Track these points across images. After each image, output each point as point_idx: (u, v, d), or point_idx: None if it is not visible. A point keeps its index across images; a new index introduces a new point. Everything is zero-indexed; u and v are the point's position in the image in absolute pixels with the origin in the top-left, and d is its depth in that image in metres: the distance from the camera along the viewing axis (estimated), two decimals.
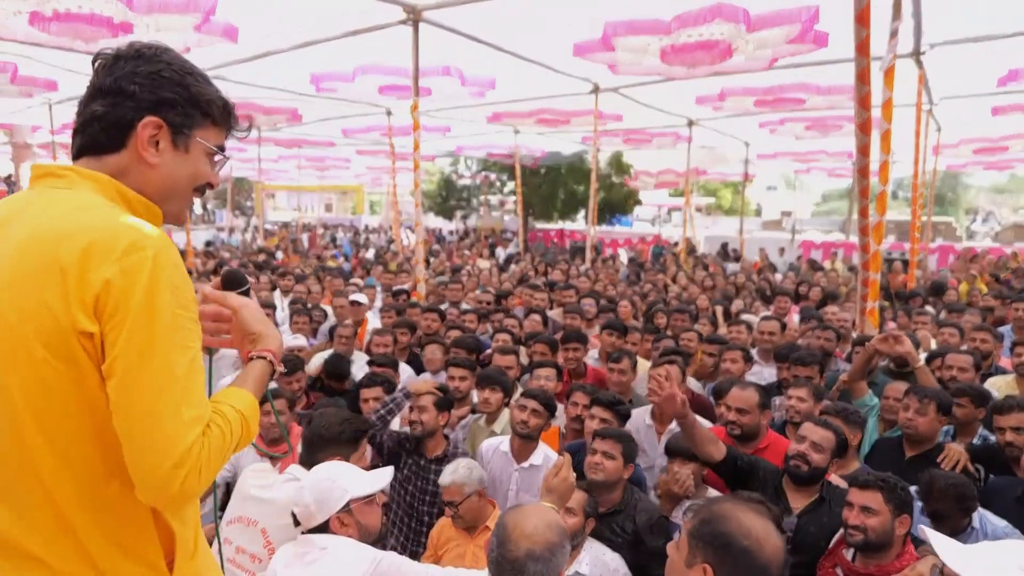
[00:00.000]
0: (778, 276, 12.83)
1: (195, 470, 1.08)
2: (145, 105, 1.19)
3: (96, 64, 1.22)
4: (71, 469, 1.11)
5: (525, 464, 3.35)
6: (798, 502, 2.77)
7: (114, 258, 1.05)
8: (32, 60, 8.39)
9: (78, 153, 1.22)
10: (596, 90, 10.34)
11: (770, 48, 6.53)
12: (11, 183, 19.76)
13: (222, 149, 1.32)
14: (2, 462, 1.11)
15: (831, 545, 2.61)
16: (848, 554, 2.51)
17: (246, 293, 1.50)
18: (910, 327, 5.94)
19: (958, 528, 2.62)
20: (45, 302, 1.05)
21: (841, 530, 2.61)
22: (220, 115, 1.30)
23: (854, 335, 5.25)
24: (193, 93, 1.24)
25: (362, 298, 6.60)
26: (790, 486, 2.83)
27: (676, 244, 19.65)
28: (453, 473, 2.82)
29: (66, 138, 16.49)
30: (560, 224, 27.47)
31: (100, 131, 1.19)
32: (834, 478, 2.84)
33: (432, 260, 13.71)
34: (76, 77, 9.30)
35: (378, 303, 7.54)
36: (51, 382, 1.07)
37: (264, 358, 1.37)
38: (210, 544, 2.52)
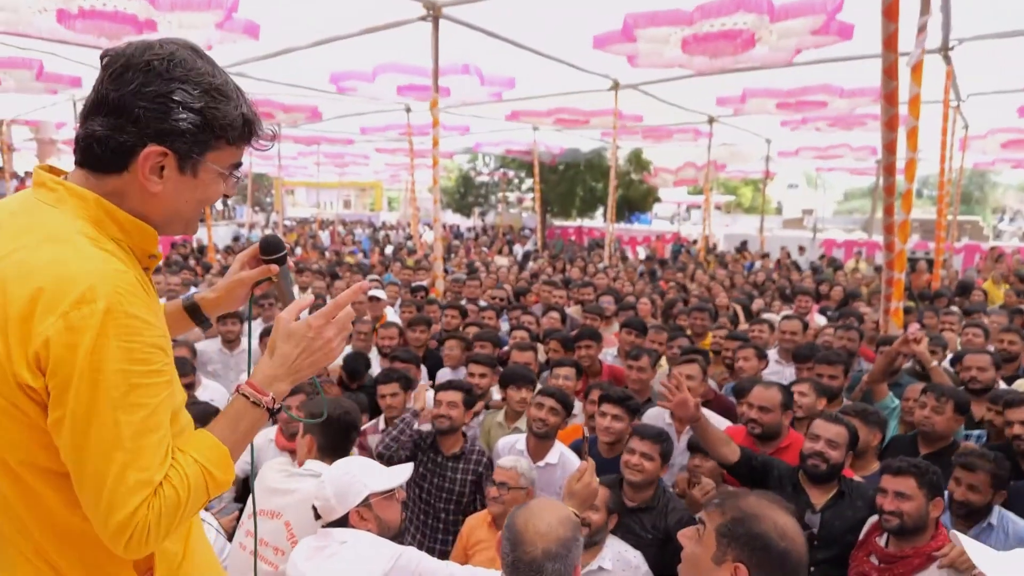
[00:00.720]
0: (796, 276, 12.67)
1: (141, 532, 1.03)
2: (150, 133, 1.08)
3: (105, 63, 1.11)
4: (36, 502, 1.09)
5: (541, 463, 3.34)
6: (818, 498, 2.79)
7: (60, 311, 0.99)
8: (57, 57, 8.51)
9: (79, 163, 1.14)
10: (616, 87, 10.28)
11: (794, 38, 6.45)
12: None
13: (238, 166, 1.22)
14: None
15: (863, 535, 2.64)
16: (881, 541, 2.53)
17: (283, 260, 1.46)
18: (937, 328, 5.85)
19: (978, 519, 2.66)
20: None
21: (871, 519, 2.65)
22: (239, 136, 1.18)
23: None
24: (208, 119, 1.12)
25: (381, 294, 6.62)
26: (807, 483, 2.85)
27: (695, 242, 19.50)
28: (515, 462, 2.88)
29: None
30: (578, 221, 27.42)
31: (100, 153, 1.09)
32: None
33: (452, 257, 13.74)
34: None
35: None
36: (3, 423, 1.04)
37: (247, 397, 1.21)
38: (230, 537, 2.57)
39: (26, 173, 20.26)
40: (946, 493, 2.60)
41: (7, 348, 1.00)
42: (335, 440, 2.56)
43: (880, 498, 2.48)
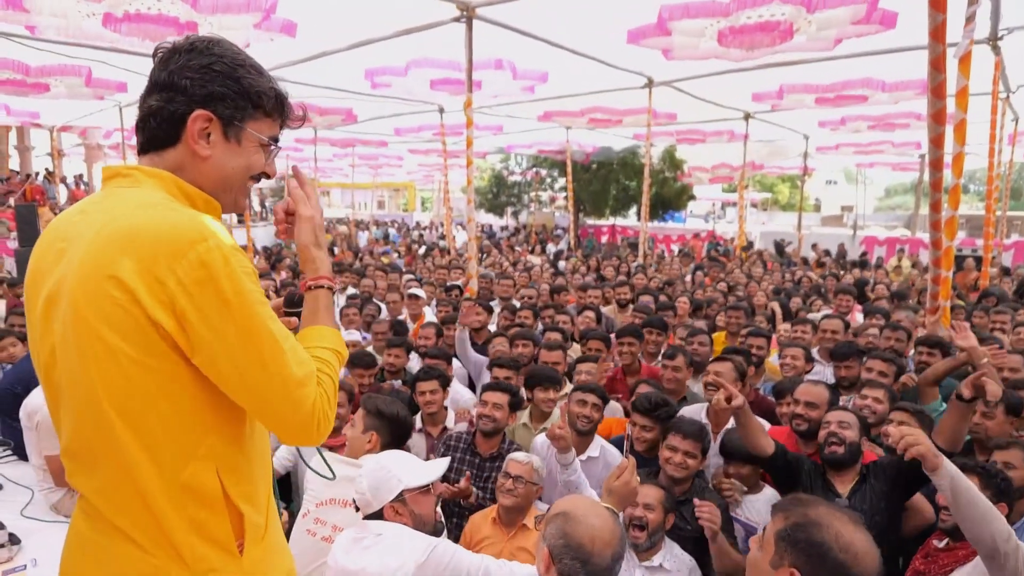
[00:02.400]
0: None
1: (322, 415, 1.20)
2: (196, 98, 1.21)
3: (155, 58, 1.26)
4: (151, 455, 1.14)
5: (583, 457, 3.34)
6: (843, 486, 2.83)
7: (183, 253, 1.08)
8: (105, 64, 8.78)
9: (142, 149, 1.26)
10: (650, 84, 10.19)
11: (834, 29, 6.28)
12: (84, 183, 20.78)
13: (276, 140, 1.33)
14: (91, 448, 1.17)
15: (925, 541, 2.64)
16: (940, 543, 2.53)
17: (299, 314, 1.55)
18: (987, 328, 5.67)
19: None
20: (119, 298, 1.07)
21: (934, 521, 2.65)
22: (273, 107, 1.30)
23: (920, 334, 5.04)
24: (244, 86, 1.25)
25: (420, 292, 6.67)
26: (833, 474, 2.88)
27: (732, 240, 19.21)
28: (530, 457, 2.91)
29: (135, 141, 17.24)
30: (612, 220, 27.24)
31: (157, 126, 1.23)
32: None
33: (485, 256, 13.79)
34: (145, 80, 9.68)
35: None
36: (130, 372, 1.10)
37: (323, 286, 1.40)
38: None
39: (76, 177, 20.93)
40: None
41: (139, 293, 1.07)
42: (396, 438, 2.71)
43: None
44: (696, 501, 2.71)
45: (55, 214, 14.02)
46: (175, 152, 1.23)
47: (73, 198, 18.92)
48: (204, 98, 1.21)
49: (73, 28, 6.37)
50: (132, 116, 13.19)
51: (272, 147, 1.33)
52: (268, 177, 1.36)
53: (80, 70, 8.98)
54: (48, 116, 13.93)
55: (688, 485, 2.93)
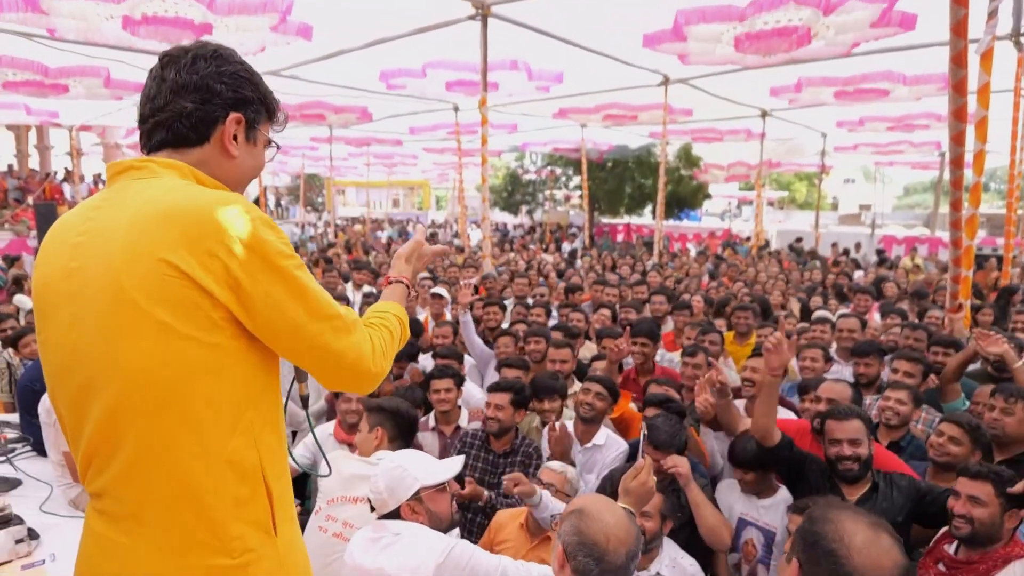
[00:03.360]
0: (858, 273, 12.29)
1: (374, 363, 1.31)
2: (229, 102, 1.29)
3: (167, 61, 1.29)
4: (196, 433, 1.15)
5: (588, 444, 3.42)
6: (852, 493, 2.75)
7: (228, 226, 1.13)
8: (124, 64, 8.87)
9: (158, 147, 1.29)
10: (666, 82, 10.13)
11: (851, 33, 6.21)
12: (103, 182, 21.04)
13: (272, 141, 1.44)
14: (126, 436, 1.16)
15: (932, 543, 2.57)
16: (950, 548, 2.45)
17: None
18: (1008, 328, 5.58)
19: None
20: (172, 277, 1.10)
21: (943, 528, 2.56)
22: (275, 110, 1.41)
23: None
24: (261, 91, 1.36)
25: (443, 292, 6.67)
26: (840, 480, 2.81)
27: (748, 239, 19.07)
28: (565, 468, 2.90)
29: None
30: (627, 218, 27.15)
31: (188, 127, 1.27)
32: None
33: (500, 255, 13.78)
34: None
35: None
36: (181, 349, 1.12)
37: (402, 283, 1.66)
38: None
39: (95, 176, 21.18)
40: None
41: (190, 275, 1.11)
42: (403, 431, 2.75)
43: (952, 501, 2.39)
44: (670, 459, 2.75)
45: None
46: (200, 151, 1.29)
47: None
48: (236, 102, 1.30)
49: (92, 31, 6.45)
50: None
51: (271, 147, 1.44)
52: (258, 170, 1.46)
53: (99, 71, 9.08)
54: (67, 116, 14.10)
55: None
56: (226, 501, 1.18)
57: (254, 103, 1.33)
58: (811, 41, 6.40)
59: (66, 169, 19.44)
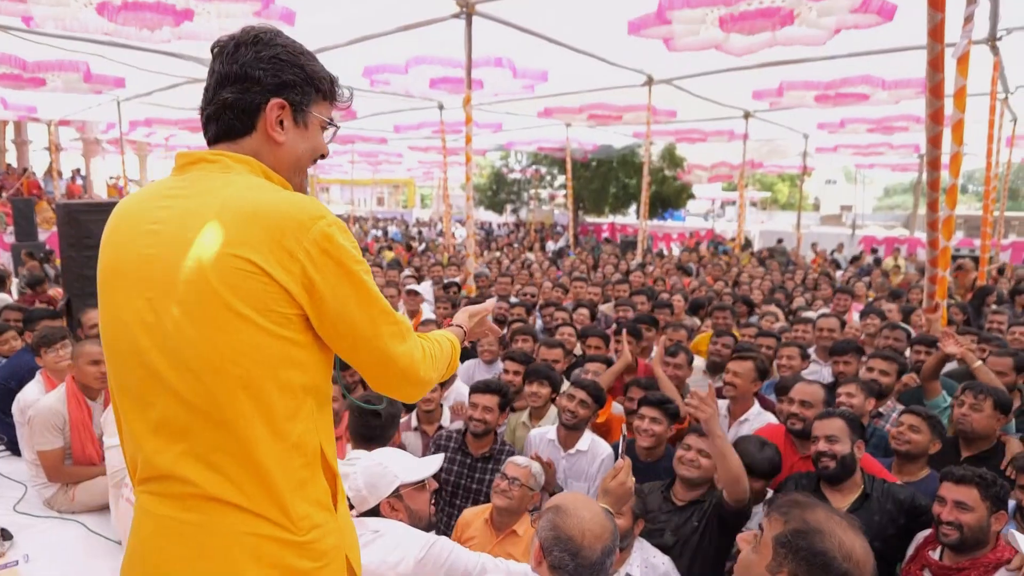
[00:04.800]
0: (839, 273, 12.44)
1: (425, 364, 1.37)
2: (270, 88, 1.29)
3: (216, 52, 1.31)
4: (267, 419, 1.20)
5: (572, 450, 3.39)
6: (840, 501, 2.68)
7: (307, 228, 1.17)
8: (103, 59, 8.76)
9: (215, 139, 1.32)
10: (650, 82, 10.18)
11: (833, 16, 6.27)
12: (82, 177, 20.73)
13: (331, 121, 1.42)
14: (198, 418, 1.19)
15: (915, 548, 2.54)
16: (935, 554, 2.42)
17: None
18: (985, 327, 5.68)
19: None
20: (254, 273, 1.15)
21: (923, 533, 2.55)
22: (328, 89, 1.39)
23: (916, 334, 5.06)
24: (308, 72, 1.33)
25: (419, 288, 6.66)
26: (828, 488, 2.77)
27: (732, 239, 19.23)
28: (530, 463, 2.88)
29: (134, 136, 17.28)
30: (611, 218, 27.26)
31: (234, 117, 1.29)
32: None
33: (485, 253, 13.78)
34: (143, 74, 9.66)
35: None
36: (258, 340, 1.17)
37: (460, 328, 1.79)
38: None
39: (73, 171, 20.89)
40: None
41: (270, 264, 1.15)
42: (363, 428, 2.70)
43: (938, 507, 2.36)
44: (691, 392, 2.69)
45: (52, 209, 14.00)
46: (251, 140, 1.31)
47: (70, 193, 18.87)
48: (277, 87, 1.29)
49: (70, 19, 6.33)
50: (130, 111, 13.24)
51: (330, 128, 1.42)
52: (323, 157, 1.45)
53: (78, 65, 8.95)
54: (46, 110, 13.90)
55: (703, 489, 2.87)
56: (292, 482, 1.23)
57: (298, 85, 1.31)
58: (794, 21, 6.44)
59: (50, 164, 19.13)
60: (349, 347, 1.28)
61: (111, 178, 21.47)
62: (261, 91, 1.28)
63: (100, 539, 3.29)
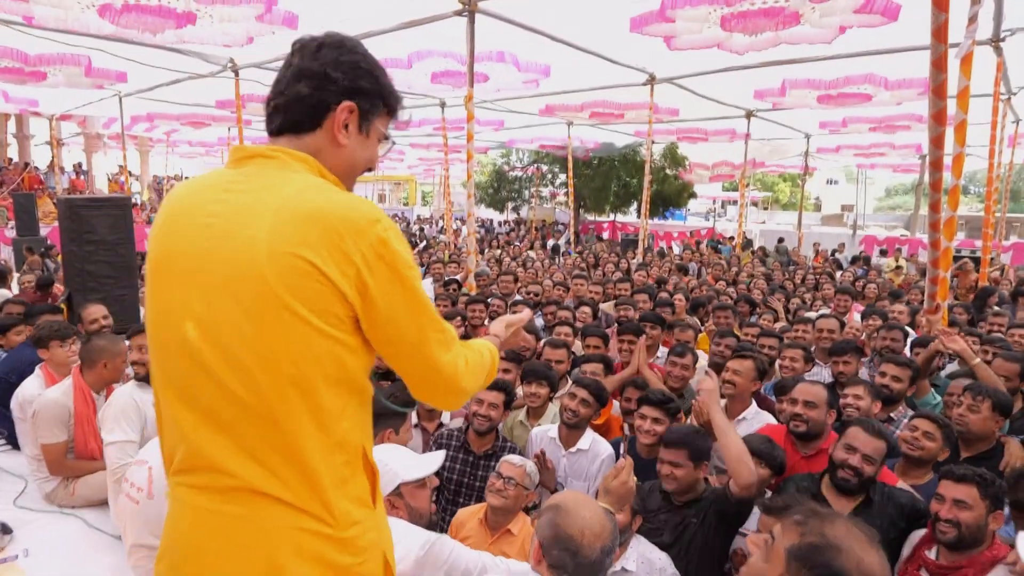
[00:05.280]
0: (839, 274, 12.42)
1: (464, 374, 1.38)
2: (344, 90, 1.31)
3: (297, 48, 1.34)
4: (315, 416, 1.21)
5: (573, 449, 3.38)
6: (843, 507, 2.62)
7: (364, 231, 1.19)
8: (104, 53, 8.74)
9: (278, 131, 1.33)
10: (651, 81, 10.17)
11: (837, 16, 6.25)
12: (84, 172, 20.72)
13: (388, 136, 1.45)
14: (245, 413, 1.20)
15: (911, 548, 2.53)
16: (931, 554, 2.41)
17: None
18: (985, 329, 5.67)
19: None
20: (311, 273, 1.16)
21: (918, 533, 2.54)
22: (394, 106, 1.43)
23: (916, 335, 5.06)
24: (381, 84, 1.37)
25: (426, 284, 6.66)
26: (831, 492, 2.70)
27: (731, 238, 19.22)
28: (525, 462, 2.87)
29: (135, 131, 17.27)
30: (612, 217, 27.24)
31: (303, 111, 1.31)
32: None
33: (486, 251, 13.78)
34: (145, 70, 9.66)
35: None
36: (311, 340, 1.18)
37: (496, 336, 1.79)
38: None
39: (75, 166, 20.88)
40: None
41: (327, 265, 1.16)
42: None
43: (936, 505, 2.35)
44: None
45: (54, 203, 14.00)
46: (314, 137, 1.32)
47: (73, 187, 18.87)
48: (351, 91, 1.32)
49: (72, 19, 6.34)
50: (132, 106, 13.22)
51: (386, 142, 1.45)
52: (371, 169, 1.46)
53: (79, 59, 8.94)
54: (47, 104, 13.89)
55: (696, 494, 2.84)
56: (335, 480, 1.24)
57: (370, 94, 1.34)
58: (798, 22, 6.42)
59: (52, 159, 19.13)
60: (396, 352, 1.30)
61: (112, 174, 21.47)
62: (336, 91, 1.31)
63: (99, 534, 3.30)
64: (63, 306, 5.18)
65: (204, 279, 1.21)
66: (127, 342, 3.81)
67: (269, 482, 1.20)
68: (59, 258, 8.76)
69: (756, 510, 2.79)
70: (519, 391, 4.03)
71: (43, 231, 13.80)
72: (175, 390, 1.26)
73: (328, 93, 1.30)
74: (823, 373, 4.81)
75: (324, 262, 1.16)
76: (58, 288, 7.26)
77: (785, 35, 6.72)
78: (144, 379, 3.41)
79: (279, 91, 1.33)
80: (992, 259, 10.93)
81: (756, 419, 3.71)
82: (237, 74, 9.78)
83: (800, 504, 1.41)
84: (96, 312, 4.66)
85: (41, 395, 3.61)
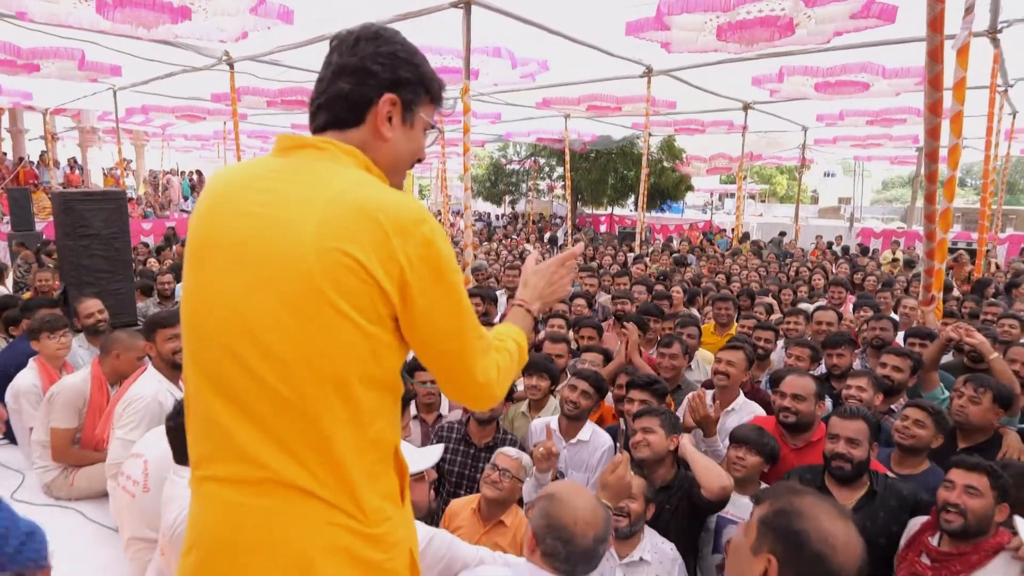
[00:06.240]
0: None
1: (496, 382, 1.36)
2: (385, 83, 1.30)
3: (335, 44, 1.33)
4: (352, 413, 1.21)
5: (573, 440, 3.39)
6: (846, 498, 2.67)
7: (411, 230, 1.18)
8: (98, 46, 8.69)
9: (323, 127, 1.32)
10: (648, 73, 10.15)
11: (833, 23, 6.25)
12: (79, 167, 20.63)
13: (434, 125, 1.42)
14: (280, 407, 1.19)
15: (913, 534, 2.54)
16: (934, 540, 2.43)
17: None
18: (981, 319, 5.70)
19: None
20: (355, 270, 1.15)
21: (919, 519, 2.56)
22: (437, 93, 1.40)
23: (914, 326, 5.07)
24: (421, 72, 1.34)
25: None
26: (833, 484, 2.75)
27: (725, 231, 19.23)
28: (520, 454, 2.89)
29: (129, 125, 17.20)
30: (609, 209, 27.23)
31: (345, 107, 1.30)
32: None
33: (483, 244, 13.77)
34: (139, 63, 9.60)
35: None
36: (353, 337, 1.18)
37: (521, 306, 1.62)
38: None
39: (69, 160, 20.78)
40: None
41: (374, 262, 1.16)
42: None
43: (945, 492, 2.36)
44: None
45: (49, 198, 13.94)
46: (358, 132, 1.31)
47: (69, 182, 18.79)
48: (392, 83, 1.30)
49: (64, 14, 6.29)
50: (127, 99, 13.16)
51: (432, 131, 1.42)
52: (420, 161, 1.44)
53: (73, 53, 8.88)
54: (41, 98, 13.80)
55: (670, 471, 2.91)
56: (367, 476, 1.24)
57: (411, 84, 1.32)
58: (794, 31, 6.43)
59: (41, 153, 19.03)
60: (433, 353, 1.29)
61: (108, 169, 21.38)
62: (376, 85, 1.29)
63: (97, 527, 3.31)
64: (60, 300, 5.17)
65: (245, 269, 1.20)
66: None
67: (301, 476, 1.19)
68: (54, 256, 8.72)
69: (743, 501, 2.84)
70: (520, 383, 4.05)
71: (39, 226, 13.74)
72: (208, 379, 1.25)
73: (369, 87, 1.29)
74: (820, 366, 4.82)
75: (369, 259, 1.16)
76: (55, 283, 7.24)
77: (781, 43, 6.72)
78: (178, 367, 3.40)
79: (321, 90, 1.32)
80: (988, 251, 10.96)
81: (745, 409, 3.73)
82: (232, 67, 9.74)
83: (791, 486, 1.46)
84: (92, 306, 4.65)
85: (61, 380, 3.68)
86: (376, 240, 1.16)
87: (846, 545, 1.32)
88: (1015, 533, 2.21)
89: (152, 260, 10.62)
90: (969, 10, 4.35)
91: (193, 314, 1.28)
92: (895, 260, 13.96)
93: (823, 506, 1.37)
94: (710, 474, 2.64)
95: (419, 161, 1.43)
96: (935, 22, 3.93)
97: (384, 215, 1.17)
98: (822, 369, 4.43)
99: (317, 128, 1.33)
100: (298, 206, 1.19)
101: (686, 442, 2.79)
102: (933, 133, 4.28)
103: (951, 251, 8.12)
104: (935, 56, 4.04)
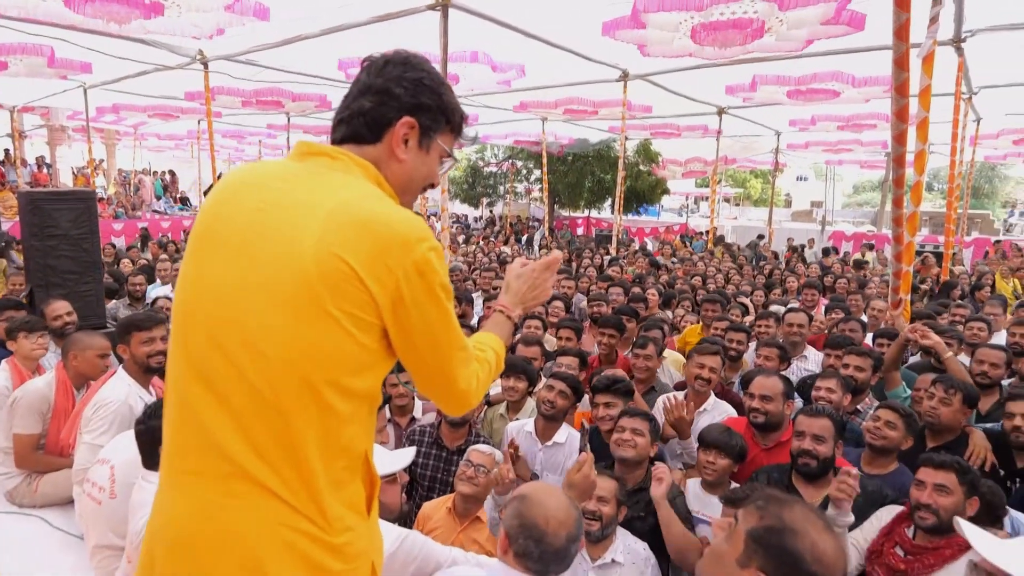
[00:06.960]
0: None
1: (474, 392, 1.42)
2: (406, 106, 1.35)
3: (366, 65, 1.39)
4: (326, 418, 1.22)
5: (549, 443, 3.40)
6: (814, 496, 2.73)
7: (411, 247, 1.21)
8: (68, 43, 8.52)
9: (341, 140, 1.37)
10: (625, 77, 10.22)
11: (804, 28, 6.36)
12: (47, 166, 20.21)
13: (450, 154, 1.46)
14: (255, 402, 1.20)
15: (888, 525, 2.60)
16: (909, 532, 2.49)
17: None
18: (946, 321, 5.83)
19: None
20: (352, 279, 1.18)
21: (893, 508, 2.62)
22: (458, 124, 1.45)
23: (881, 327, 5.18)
24: (444, 101, 1.40)
25: None
26: (801, 482, 2.81)
27: (702, 234, 19.43)
28: (493, 450, 2.92)
29: (100, 124, 16.87)
30: (586, 212, 27.35)
31: (364, 124, 1.34)
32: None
33: (463, 247, 13.74)
34: (111, 60, 9.43)
35: None
36: (343, 343, 1.20)
37: (502, 312, 1.67)
38: None
39: (37, 159, 20.34)
40: None
41: (365, 281, 1.18)
42: None
43: (916, 491, 2.43)
44: (656, 464, 2.75)
45: (15, 197, 13.63)
46: (374, 149, 1.35)
47: (35, 181, 18.38)
48: (413, 107, 1.35)
49: (31, 7, 6.16)
50: (97, 97, 12.93)
51: (448, 160, 1.47)
52: (433, 187, 1.49)
53: (42, 49, 8.69)
54: (8, 96, 13.51)
55: (644, 472, 2.95)
56: (331, 483, 1.24)
57: (432, 111, 1.37)
58: (764, 35, 6.52)
59: (6, 151, 18.60)
60: (419, 362, 1.33)
61: (78, 168, 20.96)
62: (397, 107, 1.34)
63: (62, 534, 3.24)
64: (24, 301, 5.06)
65: (242, 261, 1.22)
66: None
67: (266, 475, 1.19)
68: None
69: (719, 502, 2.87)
70: (497, 385, 4.06)
71: (4, 226, 13.43)
72: (191, 365, 1.26)
73: (389, 108, 1.34)
74: (793, 366, 4.90)
75: (364, 270, 1.18)
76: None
77: (754, 46, 6.82)
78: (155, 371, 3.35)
79: (345, 106, 1.38)
80: (954, 254, 11.22)
81: (717, 409, 3.79)
82: (206, 66, 9.61)
83: (776, 495, 1.45)
84: (59, 308, 4.57)
85: (24, 385, 3.57)
86: (375, 252, 1.18)
87: (836, 560, 1.32)
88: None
89: (125, 261, 10.43)
90: (934, 19, 4.44)
91: (185, 300, 1.29)
92: (866, 262, 14.22)
93: (812, 520, 1.36)
94: (676, 541, 2.66)
95: (432, 186, 1.48)
96: (901, 31, 4.01)
97: (387, 229, 1.20)
98: (802, 371, 4.50)
99: (336, 141, 1.38)
100: (303, 208, 1.21)
101: (661, 495, 2.72)
102: (900, 139, 4.37)
103: (918, 254, 8.31)
104: (901, 64, 4.12)
